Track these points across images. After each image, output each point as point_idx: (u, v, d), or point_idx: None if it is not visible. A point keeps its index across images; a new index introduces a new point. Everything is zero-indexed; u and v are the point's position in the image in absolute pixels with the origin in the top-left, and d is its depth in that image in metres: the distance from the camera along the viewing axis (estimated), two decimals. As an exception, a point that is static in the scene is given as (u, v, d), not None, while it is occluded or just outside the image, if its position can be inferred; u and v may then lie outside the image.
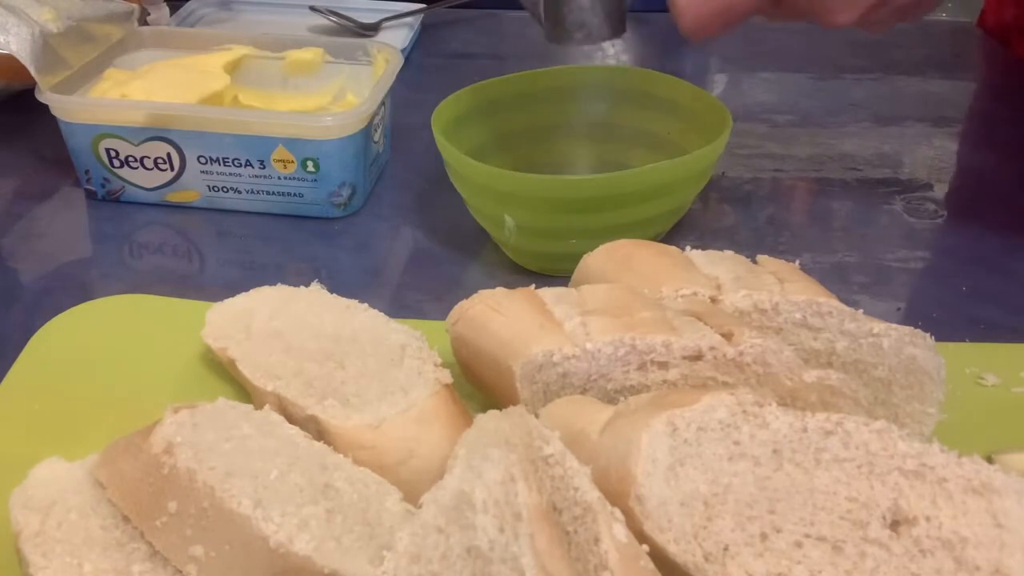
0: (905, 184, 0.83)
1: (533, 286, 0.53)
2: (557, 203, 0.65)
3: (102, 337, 0.60)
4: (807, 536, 0.39)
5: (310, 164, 0.74)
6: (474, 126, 0.75)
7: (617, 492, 0.39)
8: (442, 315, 0.55)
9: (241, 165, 0.75)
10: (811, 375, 0.48)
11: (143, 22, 0.92)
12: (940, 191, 0.83)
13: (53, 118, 0.76)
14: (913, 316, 0.56)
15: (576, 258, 0.58)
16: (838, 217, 0.79)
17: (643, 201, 0.65)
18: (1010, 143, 0.90)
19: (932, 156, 0.89)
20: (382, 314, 0.56)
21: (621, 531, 0.37)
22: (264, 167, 0.75)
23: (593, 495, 0.38)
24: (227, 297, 0.58)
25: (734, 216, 0.79)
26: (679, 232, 0.73)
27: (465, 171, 0.67)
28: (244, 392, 0.54)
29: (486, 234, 0.71)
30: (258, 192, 0.76)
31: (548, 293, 0.52)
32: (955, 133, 0.93)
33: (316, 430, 0.48)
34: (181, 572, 0.40)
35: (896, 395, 0.52)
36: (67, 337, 0.60)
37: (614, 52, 1.06)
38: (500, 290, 0.52)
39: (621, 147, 0.78)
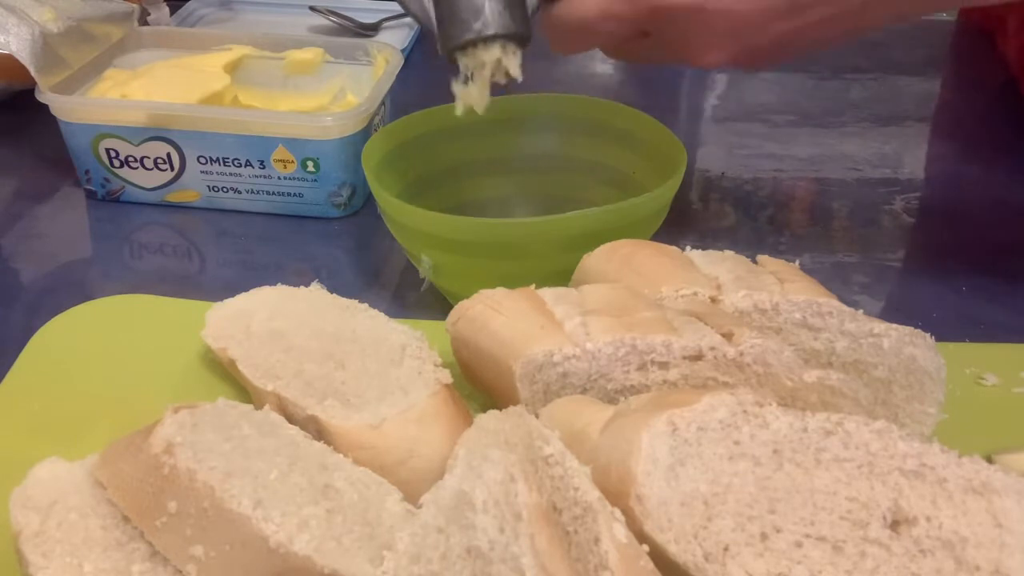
0: (905, 184, 0.83)
1: (533, 286, 0.53)
2: (472, 247, 0.61)
3: (102, 337, 0.60)
4: (807, 536, 0.39)
5: (310, 164, 0.74)
6: (419, 155, 0.71)
7: (617, 492, 0.39)
8: (442, 315, 0.55)
9: (241, 165, 0.75)
10: (811, 375, 0.48)
11: (143, 22, 0.92)
12: (939, 191, 0.83)
13: (53, 118, 0.76)
14: (913, 316, 0.56)
15: None
16: (838, 217, 0.79)
17: (570, 250, 0.58)
18: (1007, 142, 0.90)
19: (932, 156, 0.89)
20: (382, 314, 0.56)
21: (621, 531, 0.37)
22: (264, 167, 0.75)
23: (593, 495, 0.38)
24: (227, 297, 0.58)
25: (734, 216, 0.79)
26: (679, 232, 0.73)
27: (383, 205, 0.64)
28: (244, 392, 0.54)
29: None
30: (258, 192, 0.76)
31: (548, 293, 0.52)
32: (953, 132, 0.93)
33: (316, 430, 0.48)
34: (181, 572, 0.40)
35: (896, 395, 0.52)
36: (67, 337, 0.60)
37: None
38: (500, 290, 0.52)
39: (576, 181, 0.73)
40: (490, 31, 0.57)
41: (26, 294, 0.70)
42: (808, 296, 0.52)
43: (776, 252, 0.62)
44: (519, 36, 0.58)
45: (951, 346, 0.57)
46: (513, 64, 0.58)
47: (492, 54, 0.57)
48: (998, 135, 0.92)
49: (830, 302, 0.52)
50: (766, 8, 0.55)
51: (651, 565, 0.37)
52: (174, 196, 0.78)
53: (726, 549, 0.39)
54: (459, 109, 0.61)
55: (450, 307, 0.54)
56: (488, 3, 0.56)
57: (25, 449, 0.49)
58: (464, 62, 0.59)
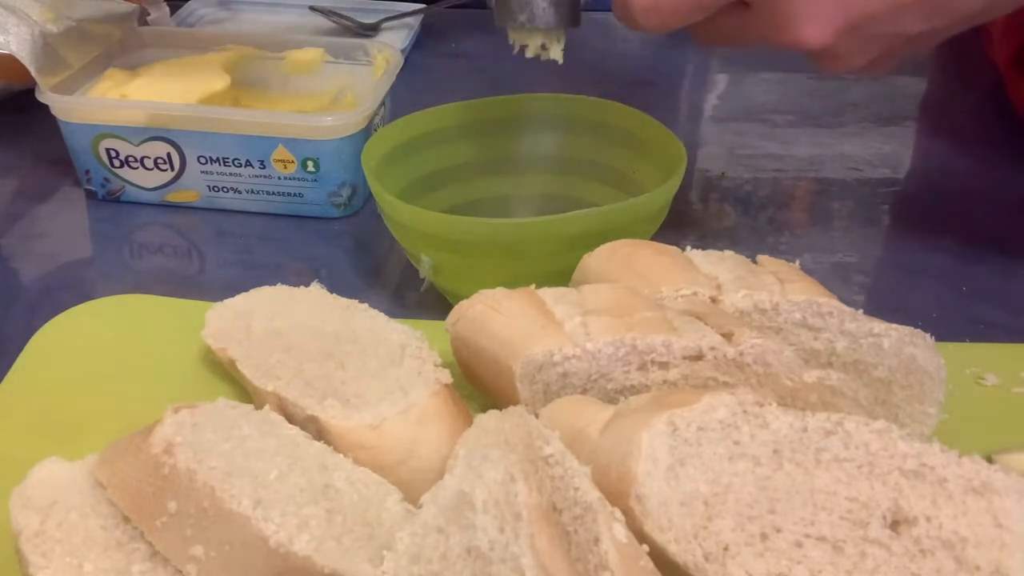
0: (905, 184, 0.83)
1: (533, 286, 0.53)
2: (472, 247, 0.61)
3: (102, 337, 0.60)
4: (807, 536, 0.39)
5: (310, 164, 0.74)
6: (419, 155, 0.71)
7: (617, 492, 0.39)
8: (442, 315, 0.55)
9: (241, 165, 0.75)
10: (811, 375, 0.48)
11: (143, 22, 0.91)
12: (939, 191, 0.83)
13: (53, 118, 0.76)
14: (913, 316, 0.56)
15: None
16: (838, 217, 0.79)
17: (570, 250, 0.58)
18: (1004, 141, 0.90)
19: (931, 156, 0.89)
20: (382, 314, 0.56)
21: (621, 531, 0.37)
22: (264, 167, 0.75)
23: (593, 495, 0.38)
24: (227, 297, 0.58)
25: (734, 216, 0.79)
26: (679, 232, 0.73)
27: (383, 205, 0.64)
28: (244, 392, 0.54)
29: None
30: (258, 192, 0.76)
31: (548, 293, 0.52)
32: (950, 132, 0.93)
33: (316, 430, 0.48)
34: (181, 572, 0.40)
35: (896, 395, 0.52)
36: (67, 337, 0.60)
37: (619, 50, 1.06)
38: (500, 290, 0.52)
39: (576, 181, 0.73)
40: (533, 24, 0.61)
41: (26, 294, 0.70)
42: (808, 296, 0.52)
43: (776, 252, 0.61)
44: (563, 27, 0.62)
45: (951, 346, 0.57)
46: (556, 49, 0.63)
47: (536, 39, 0.63)
48: (994, 134, 0.92)
49: (830, 302, 0.52)
50: None
51: (651, 565, 0.37)
52: (174, 196, 0.78)
53: (726, 549, 0.39)
54: (529, 52, 0.64)
55: (450, 307, 0.54)
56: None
57: (25, 449, 0.49)
58: (512, 37, 0.63)
